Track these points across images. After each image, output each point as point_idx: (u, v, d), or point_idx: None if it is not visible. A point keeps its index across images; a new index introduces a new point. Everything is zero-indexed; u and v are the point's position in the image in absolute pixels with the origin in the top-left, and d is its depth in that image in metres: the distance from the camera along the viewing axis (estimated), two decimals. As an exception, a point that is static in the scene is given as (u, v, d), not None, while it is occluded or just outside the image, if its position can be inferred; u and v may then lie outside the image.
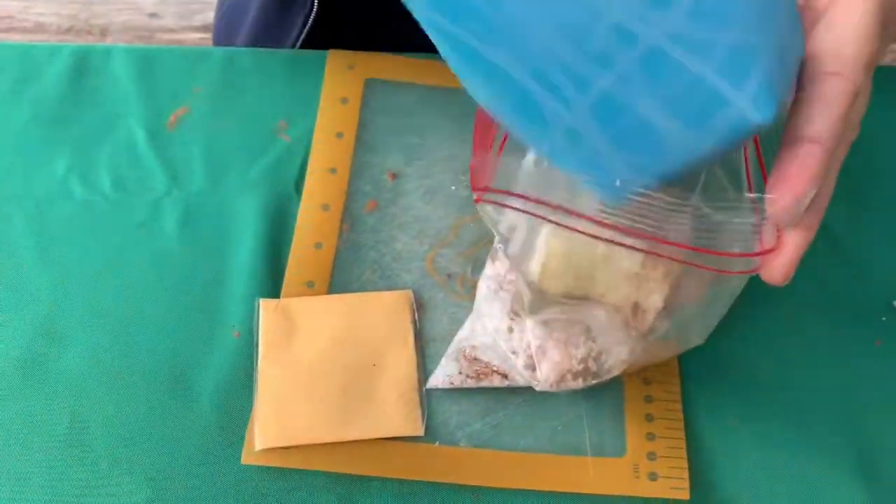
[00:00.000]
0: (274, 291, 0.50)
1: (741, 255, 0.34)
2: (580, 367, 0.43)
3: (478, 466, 0.44)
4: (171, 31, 1.49)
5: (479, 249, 0.52)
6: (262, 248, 0.51)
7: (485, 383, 0.45)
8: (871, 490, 0.45)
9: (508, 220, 0.41)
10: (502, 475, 0.44)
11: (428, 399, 0.46)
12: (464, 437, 0.45)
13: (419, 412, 0.45)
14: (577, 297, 0.41)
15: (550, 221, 0.36)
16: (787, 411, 0.47)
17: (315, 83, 0.58)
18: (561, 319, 0.42)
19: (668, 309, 0.41)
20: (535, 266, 0.40)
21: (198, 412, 0.46)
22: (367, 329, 0.47)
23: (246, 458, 0.44)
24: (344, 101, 0.57)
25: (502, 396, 0.46)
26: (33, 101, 0.58)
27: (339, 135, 0.56)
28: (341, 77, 0.58)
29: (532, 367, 0.44)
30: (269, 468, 0.44)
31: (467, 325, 0.47)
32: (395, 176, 0.54)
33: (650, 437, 0.45)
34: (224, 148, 0.56)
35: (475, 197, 0.39)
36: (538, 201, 0.35)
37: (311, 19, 0.63)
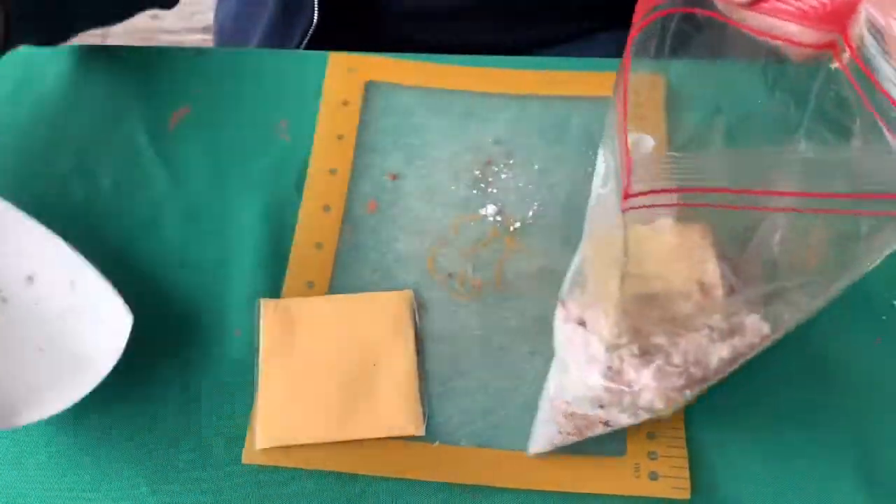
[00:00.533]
0: (274, 291, 0.50)
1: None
2: (682, 381, 0.41)
3: (478, 466, 0.44)
4: (172, 32, 1.49)
5: (479, 248, 0.52)
6: (263, 248, 0.51)
7: (588, 434, 0.44)
8: (872, 488, 0.45)
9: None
10: (503, 475, 0.44)
11: (428, 398, 0.46)
12: (464, 436, 0.45)
13: (420, 411, 0.45)
14: (647, 296, 0.41)
15: (718, 206, 0.34)
16: (789, 411, 0.47)
17: (316, 83, 0.58)
18: (652, 342, 0.42)
19: (739, 283, 0.40)
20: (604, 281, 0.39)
21: (198, 411, 0.46)
22: (367, 328, 0.48)
23: (247, 458, 0.44)
24: (345, 103, 0.57)
25: (503, 395, 0.46)
26: (35, 103, 0.58)
27: (340, 137, 0.56)
28: (342, 79, 0.58)
29: (633, 407, 0.43)
30: (269, 468, 0.44)
31: (554, 382, 0.45)
32: (395, 177, 0.54)
33: (651, 436, 0.45)
34: (225, 148, 0.56)
35: (623, 206, 0.35)
36: (700, 190, 0.32)
37: (311, 29, 0.63)
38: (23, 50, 0.61)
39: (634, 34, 0.37)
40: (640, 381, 0.41)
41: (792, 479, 0.45)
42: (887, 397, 0.48)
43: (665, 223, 0.37)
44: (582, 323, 0.42)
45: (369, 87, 0.58)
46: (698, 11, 0.37)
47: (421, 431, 0.45)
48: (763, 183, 0.32)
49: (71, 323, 0.46)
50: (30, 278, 0.48)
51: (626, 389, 0.42)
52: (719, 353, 0.41)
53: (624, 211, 0.34)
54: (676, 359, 0.41)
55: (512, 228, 0.52)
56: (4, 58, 0.60)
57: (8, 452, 0.45)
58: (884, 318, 0.50)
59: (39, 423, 0.44)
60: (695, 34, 0.38)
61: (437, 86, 0.58)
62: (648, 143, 0.43)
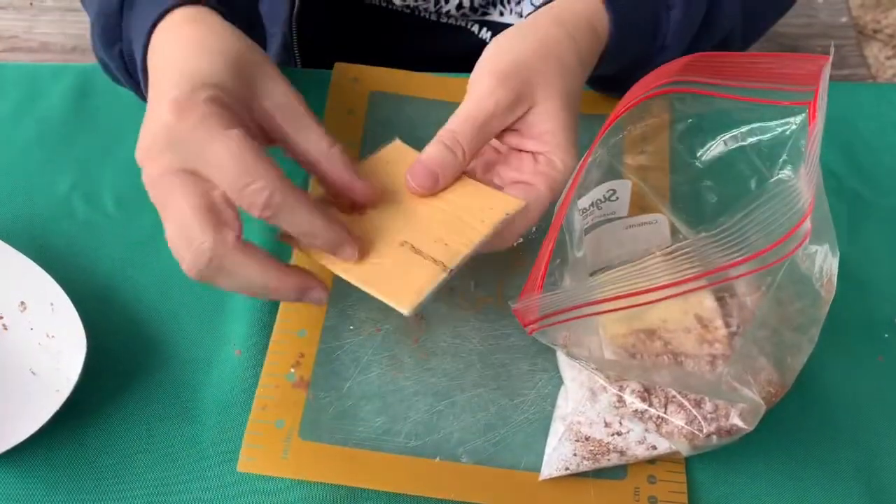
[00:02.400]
0: (274, 302, 0.50)
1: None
2: (711, 426, 0.42)
3: (478, 484, 0.44)
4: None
5: (480, 264, 0.52)
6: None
7: (603, 463, 0.44)
8: (876, 506, 0.44)
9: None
10: (503, 494, 0.44)
11: (429, 413, 0.46)
12: (465, 452, 0.45)
13: (420, 296, 0.40)
14: (645, 340, 0.42)
15: (603, 312, 0.37)
16: (790, 429, 0.47)
17: (318, 95, 0.58)
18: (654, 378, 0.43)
19: (740, 319, 0.42)
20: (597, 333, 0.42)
21: (196, 429, 0.46)
22: (460, 202, 0.44)
23: (242, 467, 0.44)
24: (350, 112, 0.57)
25: (504, 413, 0.46)
26: (37, 121, 0.58)
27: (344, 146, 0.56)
28: (346, 89, 0.58)
29: (644, 441, 0.43)
30: (264, 478, 0.44)
31: (568, 400, 0.45)
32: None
33: (651, 460, 0.45)
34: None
35: (528, 331, 0.42)
36: (585, 304, 0.38)
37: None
38: (27, 68, 0.62)
39: (621, 113, 0.41)
40: (670, 423, 0.42)
41: (794, 498, 0.45)
42: (890, 414, 0.48)
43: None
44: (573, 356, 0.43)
45: (373, 97, 0.58)
46: (694, 91, 0.41)
47: (406, 310, 0.40)
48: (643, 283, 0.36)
49: (54, 344, 0.47)
50: (22, 304, 0.48)
51: (638, 422, 0.43)
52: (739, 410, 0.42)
53: (529, 334, 0.42)
54: (708, 406, 0.42)
55: (514, 244, 0.52)
56: (7, 75, 0.61)
57: (8, 467, 0.45)
58: (886, 335, 0.50)
59: (38, 441, 0.44)
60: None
61: (441, 98, 0.58)
62: (626, 186, 0.45)
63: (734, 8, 0.53)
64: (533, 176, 0.44)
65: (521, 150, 0.45)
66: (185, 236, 0.38)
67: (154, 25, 0.44)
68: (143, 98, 0.50)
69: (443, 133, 0.44)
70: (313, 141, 0.42)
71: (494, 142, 0.47)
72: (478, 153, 0.45)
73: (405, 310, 0.40)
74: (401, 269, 0.41)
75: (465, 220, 0.43)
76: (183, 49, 0.42)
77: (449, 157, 0.43)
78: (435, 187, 0.44)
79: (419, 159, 0.43)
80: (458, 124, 0.43)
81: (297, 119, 0.42)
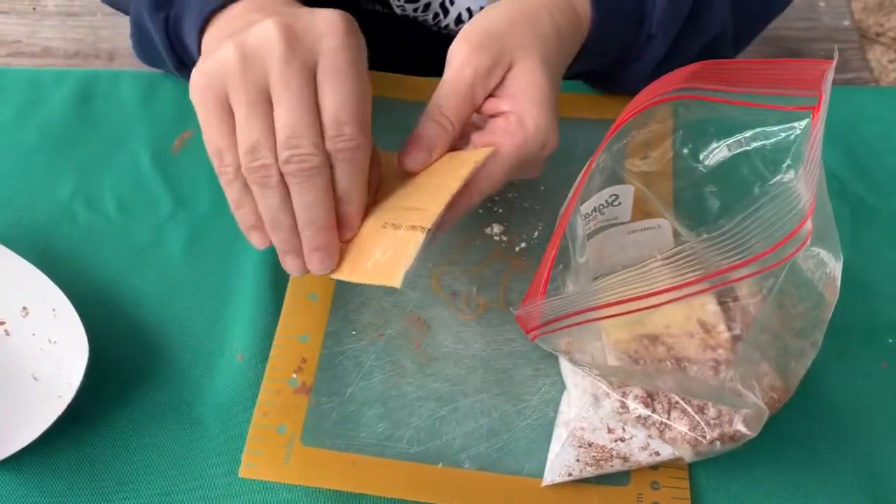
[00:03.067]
0: (276, 307, 0.49)
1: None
2: (715, 432, 0.42)
3: (481, 490, 0.44)
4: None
5: (483, 268, 0.52)
6: (266, 271, 0.51)
7: (606, 469, 0.43)
8: (880, 513, 0.44)
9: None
10: (506, 500, 0.44)
11: (432, 419, 0.46)
12: (468, 458, 0.45)
13: (404, 268, 0.40)
14: (648, 345, 0.42)
15: (605, 318, 0.37)
16: (794, 435, 0.46)
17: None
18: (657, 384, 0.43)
19: (743, 323, 0.42)
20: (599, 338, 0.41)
21: (198, 434, 0.46)
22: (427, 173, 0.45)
23: (244, 472, 0.44)
24: None
25: (507, 418, 0.46)
26: (40, 126, 0.58)
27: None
28: None
29: (648, 447, 0.43)
30: (266, 484, 0.44)
31: (571, 405, 0.45)
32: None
33: (654, 466, 0.45)
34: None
35: (530, 337, 0.41)
36: (588, 309, 0.37)
37: None
38: (29, 73, 0.62)
39: (627, 118, 0.41)
40: (673, 429, 0.42)
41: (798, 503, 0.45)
42: (894, 420, 0.47)
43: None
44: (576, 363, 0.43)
45: (374, 102, 0.58)
46: (700, 98, 0.41)
47: (396, 283, 0.39)
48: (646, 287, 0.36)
49: (56, 349, 0.47)
50: (24, 309, 0.48)
51: (640, 427, 0.42)
52: (742, 416, 0.41)
53: (532, 341, 0.42)
54: (711, 411, 0.41)
55: (517, 248, 0.52)
56: (10, 80, 0.61)
57: (7, 473, 0.44)
58: (890, 340, 0.50)
59: (39, 449, 0.44)
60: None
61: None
62: (629, 191, 0.45)
63: (724, 6, 0.53)
64: (501, 136, 0.43)
65: (495, 115, 0.45)
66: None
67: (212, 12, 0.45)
68: (174, 70, 0.52)
69: (429, 108, 0.44)
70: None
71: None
72: (466, 121, 0.45)
73: (396, 283, 0.39)
74: (387, 250, 0.41)
75: (438, 182, 0.43)
76: (237, 23, 0.43)
77: (438, 131, 0.43)
78: (428, 160, 0.44)
79: (410, 138, 0.44)
80: (442, 97, 0.44)
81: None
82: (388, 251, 0.41)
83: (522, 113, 0.43)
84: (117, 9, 0.60)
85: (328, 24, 0.38)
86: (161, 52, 0.53)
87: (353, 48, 0.39)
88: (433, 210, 0.41)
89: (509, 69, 0.44)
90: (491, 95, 0.45)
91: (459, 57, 0.44)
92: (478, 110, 0.45)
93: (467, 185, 0.42)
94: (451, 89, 0.43)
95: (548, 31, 0.45)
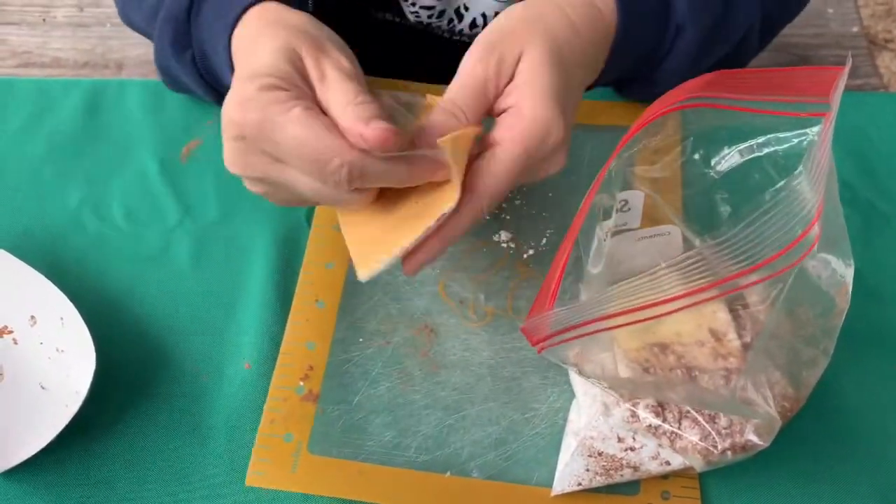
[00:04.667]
0: (283, 315, 0.49)
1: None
2: (726, 442, 0.41)
3: (490, 499, 0.44)
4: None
5: (491, 275, 0.51)
6: (274, 279, 0.51)
7: (616, 479, 0.43)
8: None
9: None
10: (516, 508, 0.43)
11: (440, 428, 0.46)
12: (476, 467, 0.45)
13: (378, 264, 0.42)
14: (658, 354, 0.42)
15: (615, 327, 0.37)
16: (805, 444, 0.46)
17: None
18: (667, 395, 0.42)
19: (753, 332, 0.42)
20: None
21: (206, 443, 0.46)
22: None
23: (251, 481, 0.44)
24: None
25: (515, 427, 0.46)
26: (49, 135, 0.59)
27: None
28: None
29: (658, 456, 0.43)
30: (273, 492, 0.44)
31: (580, 414, 0.45)
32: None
33: (664, 476, 0.44)
34: (236, 180, 0.56)
35: (537, 349, 0.40)
36: (597, 319, 0.37)
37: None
38: (38, 83, 0.62)
39: (641, 126, 0.40)
40: (684, 438, 0.41)
41: (812, 511, 0.44)
42: (908, 426, 0.47)
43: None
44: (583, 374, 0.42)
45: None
46: (714, 106, 0.40)
47: (361, 275, 0.42)
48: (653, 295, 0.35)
49: (64, 358, 0.47)
50: (32, 318, 0.48)
51: (651, 437, 0.42)
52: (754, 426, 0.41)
53: (539, 353, 0.40)
54: (722, 421, 0.41)
55: (525, 255, 0.52)
56: (19, 90, 0.61)
57: (14, 483, 0.44)
58: (902, 345, 0.50)
59: (46, 458, 0.44)
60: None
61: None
62: (639, 197, 0.44)
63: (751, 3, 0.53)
64: (502, 131, 0.42)
65: (504, 110, 0.44)
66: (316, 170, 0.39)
67: (233, 26, 0.46)
68: (217, 101, 0.52)
69: (442, 102, 0.44)
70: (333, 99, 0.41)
71: None
72: (480, 117, 0.44)
73: (360, 277, 0.42)
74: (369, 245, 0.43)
75: (420, 210, 0.43)
76: (247, 45, 0.44)
77: (452, 122, 0.43)
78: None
79: (424, 127, 0.43)
80: (454, 91, 0.43)
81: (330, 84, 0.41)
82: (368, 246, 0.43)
83: (521, 104, 0.42)
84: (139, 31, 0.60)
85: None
86: (193, 88, 0.54)
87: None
88: (403, 244, 0.42)
89: (518, 62, 0.44)
90: (501, 94, 0.44)
91: (472, 56, 0.44)
92: (491, 112, 0.45)
93: (474, 192, 0.42)
94: (464, 86, 0.43)
95: (559, 25, 0.45)
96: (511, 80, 0.44)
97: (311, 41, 0.42)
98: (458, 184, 0.41)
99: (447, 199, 0.41)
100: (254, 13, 0.46)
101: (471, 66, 0.44)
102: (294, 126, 0.38)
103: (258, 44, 0.43)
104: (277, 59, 0.41)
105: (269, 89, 0.39)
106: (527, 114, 0.42)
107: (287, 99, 0.39)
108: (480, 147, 0.43)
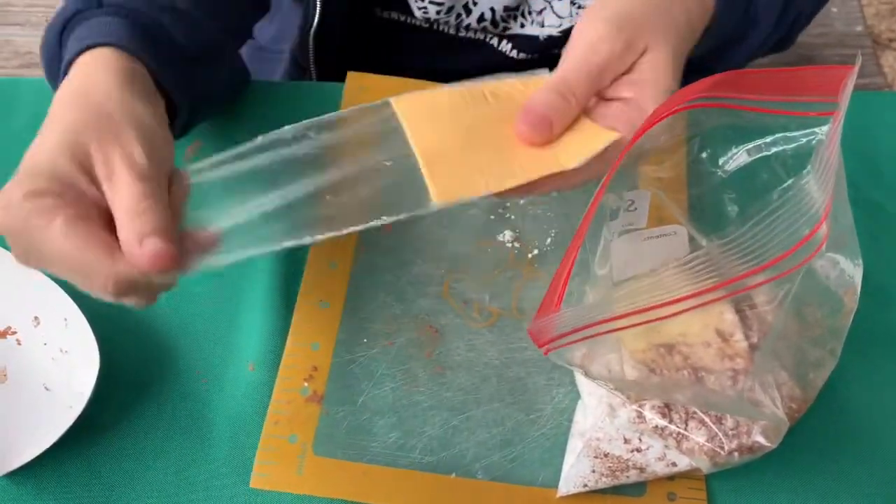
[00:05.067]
0: (287, 316, 0.49)
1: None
2: (733, 443, 0.41)
3: (495, 501, 0.43)
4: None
5: (495, 275, 0.51)
6: (278, 280, 0.51)
7: (622, 480, 0.43)
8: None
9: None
10: (521, 509, 0.43)
11: (445, 429, 0.45)
12: (481, 469, 0.44)
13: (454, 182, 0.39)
14: (665, 354, 0.42)
15: (622, 329, 0.36)
16: (812, 445, 0.46)
17: (332, 107, 0.58)
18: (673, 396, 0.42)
19: (760, 332, 0.41)
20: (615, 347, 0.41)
21: (210, 444, 0.46)
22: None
23: (255, 483, 0.44)
24: None
25: (520, 428, 0.46)
26: (52, 135, 0.58)
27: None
28: (359, 99, 0.58)
29: (664, 458, 0.42)
30: (277, 494, 0.44)
31: (586, 415, 0.45)
32: (411, 201, 0.54)
33: (670, 477, 0.44)
34: (240, 180, 0.56)
35: (543, 351, 0.40)
36: (604, 321, 0.36)
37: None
38: (41, 84, 0.62)
39: (647, 128, 0.39)
40: (690, 440, 0.41)
41: (820, 513, 0.44)
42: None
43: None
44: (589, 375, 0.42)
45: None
46: (721, 106, 0.40)
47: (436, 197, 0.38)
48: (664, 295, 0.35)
49: (68, 359, 0.46)
50: (36, 319, 0.48)
51: (658, 438, 0.42)
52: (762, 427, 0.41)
53: (545, 355, 0.39)
54: (729, 422, 0.41)
55: (530, 255, 0.52)
56: (23, 90, 0.61)
57: (18, 484, 0.44)
58: (911, 349, 0.49)
59: (50, 459, 0.43)
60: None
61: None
62: (645, 196, 0.44)
63: None
64: (621, 123, 0.41)
65: (611, 99, 0.43)
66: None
67: (64, 74, 0.43)
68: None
69: (555, 80, 0.41)
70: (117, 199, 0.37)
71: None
72: (587, 102, 0.42)
73: (433, 198, 0.38)
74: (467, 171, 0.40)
75: (548, 152, 0.41)
76: (50, 113, 0.40)
77: (562, 105, 0.40)
78: (549, 137, 0.41)
79: (528, 107, 0.40)
80: (570, 72, 0.41)
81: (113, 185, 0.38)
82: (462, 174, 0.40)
83: (646, 102, 0.41)
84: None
85: None
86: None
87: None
88: (518, 179, 0.39)
89: (641, 56, 0.42)
90: (615, 79, 0.43)
91: (595, 33, 0.41)
92: (600, 95, 0.43)
93: (578, 168, 0.40)
94: (582, 65, 0.41)
95: (681, 19, 0.44)
96: (629, 71, 0.42)
97: (106, 129, 0.38)
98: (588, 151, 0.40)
99: (561, 161, 0.40)
100: (81, 63, 0.42)
101: (591, 46, 0.41)
102: (56, 240, 0.35)
103: (47, 128, 0.39)
104: (58, 156, 0.37)
105: (34, 196, 0.36)
106: (650, 113, 0.40)
107: (53, 208, 0.36)
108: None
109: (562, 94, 0.40)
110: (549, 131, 0.40)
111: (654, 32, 0.42)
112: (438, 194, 0.39)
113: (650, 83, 0.41)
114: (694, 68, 0.53)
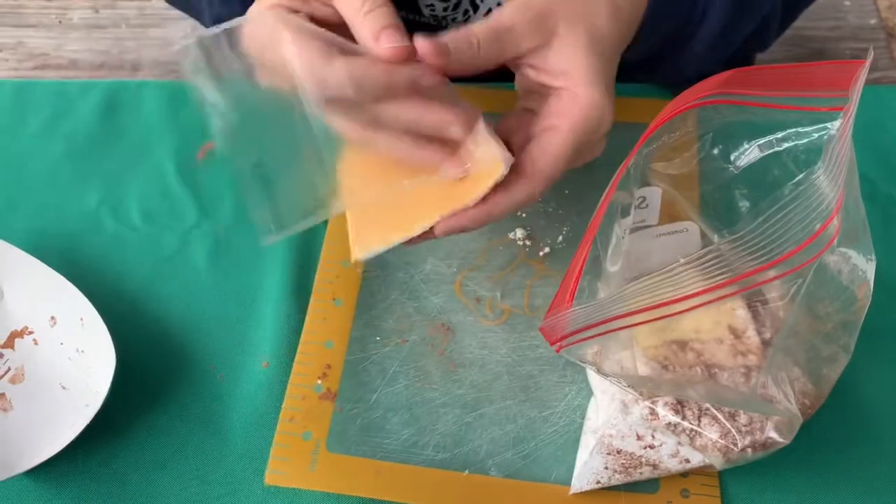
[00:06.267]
0: (301, 314, 0.50)
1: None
2: (746, 439, 0.41)
3: (508, 498, 0.43)
4: (201, 64, 1.50)
5: (507, 273, 0.51)
6: (291, 278, 0.51)
7: (635, 476, 0.43)
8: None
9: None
10: (534, 506, 0.43)
11: (457, 426, 0.46)
12: (494, 466, 0.45)
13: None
14: (678, 351, 0.42)
15: (634, 325, 0.36)
16: (826, 441, 0.45)
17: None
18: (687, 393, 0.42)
19: (773, 329, 0.41)
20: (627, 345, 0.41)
21: (225, 442, 0.46)
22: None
23: (270, 480, 0.44)
24: None
25: (533, 425, 0.46)
26: (66, 137, 0.59)
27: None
28: None
29: (678, 454, 0.42)
30: (292, 491, 0.44)
31: (598, 412, 0.45)
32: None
33: (683, 473, 0.44)
34: (252, 178, 0.56)
35: (555, 348, 0.40)
36: (616, 317, 0.36)
37: None
38: (56, 85, 0.62)
39: (660, 123, 0.40)
40: (703, 436, 0.41)
41: (834, 509, 0.44)
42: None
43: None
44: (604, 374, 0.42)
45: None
46: (733, 102, 0.40)
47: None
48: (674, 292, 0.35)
49: (84, 359, 0.47)
50: (52, 318, 0.48)
51: (671, 434, 0.42)
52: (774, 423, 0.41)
53: (557, 352, 0.40)
54: (743, 418, 0.41)
55: (541, 253, 0.52)
56: (37, 92, 0.61)
57: (36, 482, 0.45)
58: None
59: (67, 457, 0.44)
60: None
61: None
62: (656, 193, 0.44)
63: None
64: (557, 117, 0.42)
65: (547, 95, 0.43)
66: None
67: None
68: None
69: (461, 29, 0.42)
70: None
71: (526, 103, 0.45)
72: (493, 63, 0.42)
73: (353, 256, 0.44)
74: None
75: (444, 194, 0.42)
76: None
77: (463, 43, 0.41)
78: (443, 58, 0.41)
79: (430, 44, 0.41)
80: (476, 26, 0.41)
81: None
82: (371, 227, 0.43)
83: (576, 89, 0.41)
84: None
85: None
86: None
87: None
88: (414, 229, 0.42)
89: (551, 40, 0.42)
90: (532, 67, 0.43)
91: (505, 8, 0.42)
92: (512, 65, 0.44)
93: (526, 177, 0.41)
94: (489, 24, 0.41)
95: (603, 8, 0.43)
96: (541, 56, 0.42)
97: None
98: (502, 157, 0.41)
99: (485, 179, 0.41)
100: None
101: (499, 14, 0.42)
102: (293, 39, 0.39)
103: None
104: None
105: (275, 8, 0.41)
106: (583, 100, 0.41)
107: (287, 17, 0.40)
108: (529, 131, 0.43)
109: (464, 35, 0.41)
110: (444, 54, 0.41)
111: (567, 16, 0.42)
112: (358, 252, 0.43)
113: (575, 68, 0.42)
114: (656, 63, 0.53)
